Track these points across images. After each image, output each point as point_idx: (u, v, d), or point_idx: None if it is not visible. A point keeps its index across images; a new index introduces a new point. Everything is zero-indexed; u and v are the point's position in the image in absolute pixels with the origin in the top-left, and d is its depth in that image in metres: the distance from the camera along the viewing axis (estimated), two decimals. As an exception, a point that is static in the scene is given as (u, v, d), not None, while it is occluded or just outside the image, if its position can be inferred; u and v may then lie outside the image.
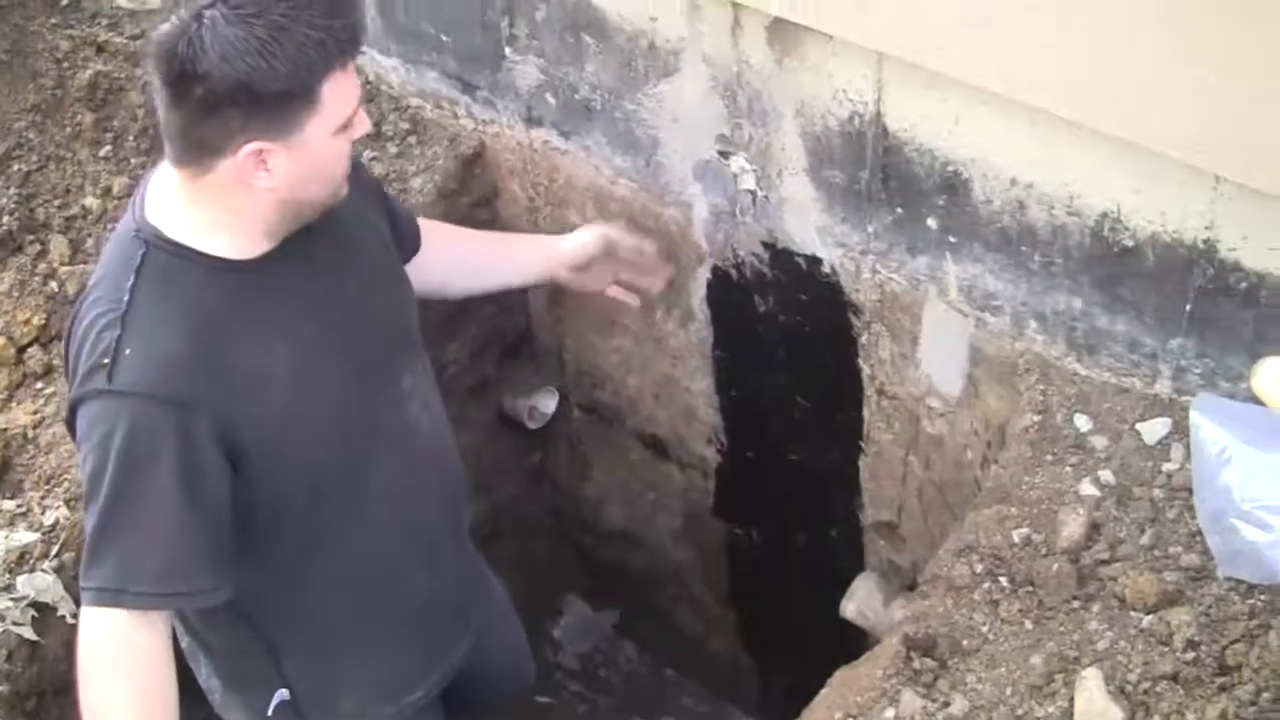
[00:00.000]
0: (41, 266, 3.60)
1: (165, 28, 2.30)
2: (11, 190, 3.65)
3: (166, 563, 2.41)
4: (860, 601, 3.58)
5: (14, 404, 3.40)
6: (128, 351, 2.37)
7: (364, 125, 2.48)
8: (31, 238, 3.63)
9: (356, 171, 2.82)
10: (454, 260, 3.23)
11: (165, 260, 2.44)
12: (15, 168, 3.68)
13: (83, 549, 2.47)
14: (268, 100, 2.28)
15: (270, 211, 2.45)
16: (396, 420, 2.81)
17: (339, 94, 2.35)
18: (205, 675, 2.95)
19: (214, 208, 2.43)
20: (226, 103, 2.27)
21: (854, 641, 3.50)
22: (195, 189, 2.41)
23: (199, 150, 2.35)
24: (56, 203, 3.70)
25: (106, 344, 2.37)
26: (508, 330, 4.37)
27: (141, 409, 2.36)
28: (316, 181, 2.45)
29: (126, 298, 2.40)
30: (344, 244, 2.70)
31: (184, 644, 2.91)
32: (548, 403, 4.43)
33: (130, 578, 2.39)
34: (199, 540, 2.44)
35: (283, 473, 2.57)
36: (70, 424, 2.48)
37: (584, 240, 3.36)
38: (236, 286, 2.49)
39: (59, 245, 3.62)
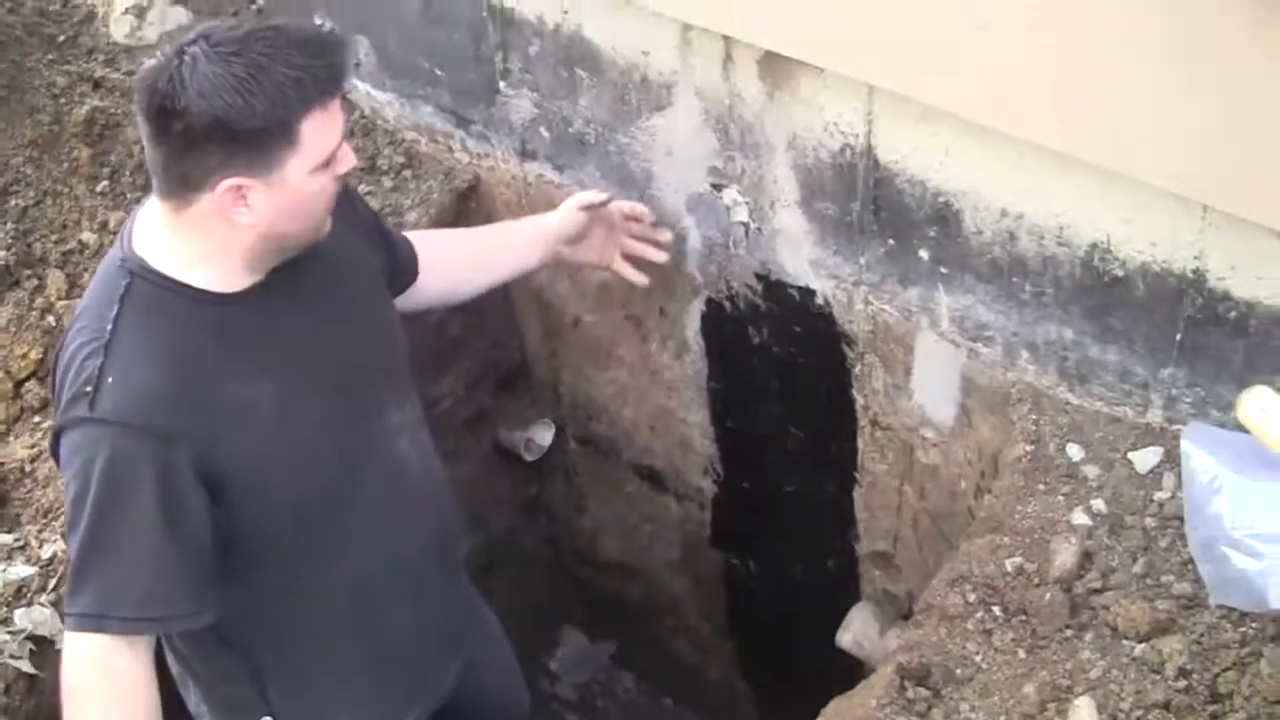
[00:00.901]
0: (39, 301, 3.61)
1: (149, 64, 2.34)
2: (8, 225, 3.66)
3: (147, 588, 2.43)
4: (856, 631, 3.59)
5: (11, 437, 3.41)
6: (109, 380, 2.39)
7: (348, 161, 2.50)
8: (29, 272, 3.64)
9: (351, 205, 2.85)
10: (454, 266, 3.25)
11: (149, 291, 2.46)
12: (12, 203, 3.69)
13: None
14: (245, 137, 2.31)
15: (251, 245, 2.46)
16: (384, 455, 2.82)
17: (318, 132, 2.37)
18: (194, 702, 2.96)
19: (196, 241, 2.45)
20: (205, 139, 2.30)
21: (850, 671, 3.52)
22: (178, 222, 2.44)
23: (180, 184, 2.38)
24: (53, 238, 3.71)
25: (89, 373, 2.40)
26: (503, 362, 4.38)
27: (121, 437, 2.38)
28: (297, 217, 2.46)
29: (110, 327, 2.42)
30: (332, 278, 2.71)
31: (174, 670, 2.92)
32: (544, 435, 4.44)
33: (112, 603, 2.42)
34: (179, 565, 2.45)
35: (266, 504, 2.59)
36: (54, 451, 2.50)
37: (567, 208, 3.39)
38: (220, 319, 2.51)
39: (56, 280, 3.63)
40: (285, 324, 2.61)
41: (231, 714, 2.92)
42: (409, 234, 3.21)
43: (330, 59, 2.38)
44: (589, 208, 3.37)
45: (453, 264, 3.24)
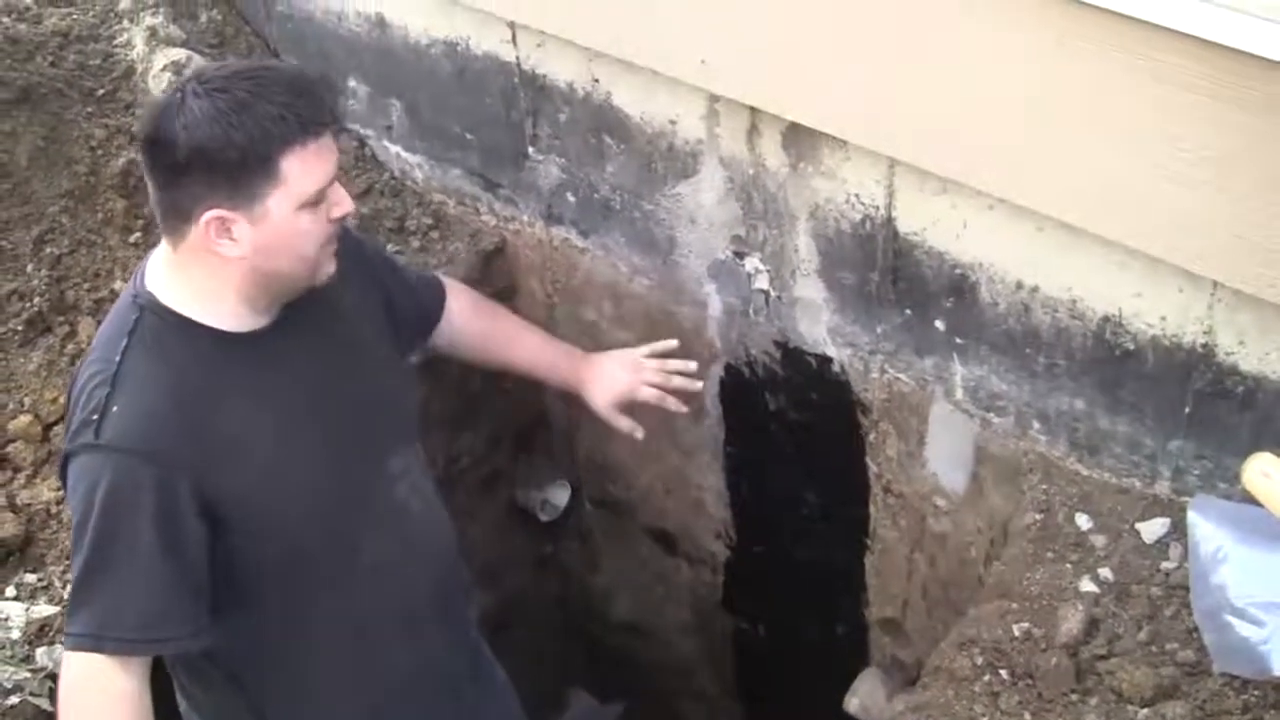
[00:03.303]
0: (69, 347, 3.66)
1: (150, 101, 2.43)
2: (43, 272, 3.71)
3: (144, 611, 2.49)
4: (864, 697, 3.61)
5: (39, 480, 3.46)
6: (115, 409, 2.47)
7: (343, 206, 2.56)
8: (61, 319, 3.70)
9: (359, 250, 2.93)
10: (479, 326, 3.30)
11: (158, 325, 2.55)
12: (48, 250, 3.75)
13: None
14: (225, 168, 2.39)
15: (244, 282, 2.53)
16: (383, 499, 2.85)
17: (301, 169, 2.43)
18: None
19: (193, 275, 2.53)
20: (188, 168, 2.40)
21: (857, 736, 3.54)
22: (177, 256, 2.53)
23: (173, 216, 2.47)
24: (86, 285, 3.76)
25: (97, 402, 2.48)
26: (521, 423, 4.41)
27: (124, 463, 2.46)
28: (286, 255, 2.51)
29: (118, 358, 2.51)
30: (339, 323, 2.78)
31: (181, 706, 2.96)
32: (560, 495, 4.47)
33: (110, 624, 2.48)
34: (177, 589, 2.51)
35: (262, 540, 2.63)
36: (63, 477, 2.57)
37: (617, 389, 3.35)
38: (225, 355, 2.58)
39: (87, 327, 3.68)
40: (289, 364, 2.68)
41: None
42: (452, 282, 3.28)
43: (313, 98, 2.45)
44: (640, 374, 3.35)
45: (480, 322, 3.29)
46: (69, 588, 2.56)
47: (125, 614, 2.48)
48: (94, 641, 2.48)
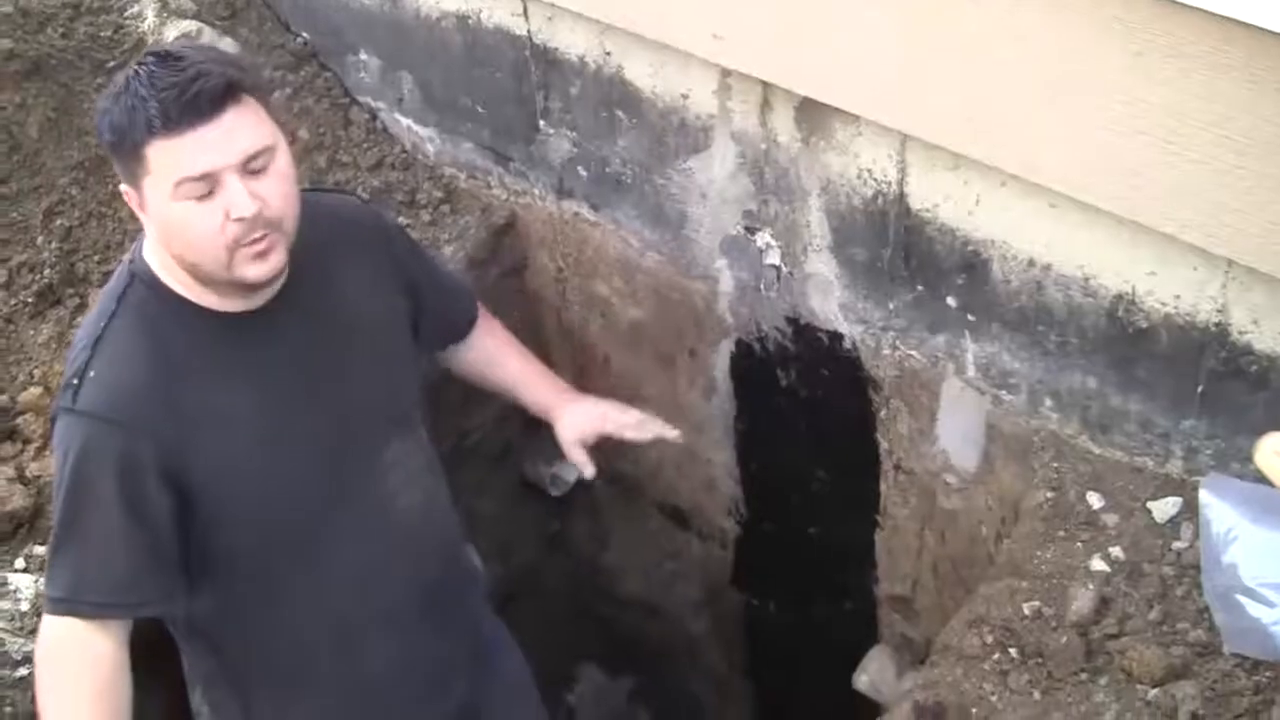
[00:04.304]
0: (80, 319, 3.64)
1: None
2: (53, 244, 3.71)
3: (116, 575, 2.52)
4: (873, 674, 3.61)
5: (48, 453, 3.45)
6: (91, 374, 2.50)
7: (237, 207, 2.41)
8: (71, 291, 3.70)
9: (385, 238, 2.94)
10: (491, 365, 3.33)
11: (146, 295, 2.57)
12: (58, 222, 3.75)
13: None
14: (111, 147, 2.47)
15: (177, 265, 2.53)
16: (369, 490, 2.83)
17: (167, 159, 2.38)
18: (196, 701, 2.98)
19: (157, 252, 2.56)
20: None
21: (867, 714, 3.53)
22: None
23: None
24: (96, 258, 3.76)
25: (78, 365, 2.52)
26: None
27: (92, 429, 2.49)
28: (179, 243, 2.47)
29: (104, 324, 2.55)
30: (340, 309, 2.77)
31: (185, 672, 2.98)
32: (569, 470, 4.45)
33: (83, 588, 2.51)
34: (145, 555, 2.53)
35: (235, 519, 2.64)
36: (51, 434, 2.62)
37: (578, 432, 3.31)
38: (211, 333, 2.59)
39: (97, 299, 3.68)
40: (278, 348, 2.67)
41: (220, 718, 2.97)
42: (482, 312, 3.28)
43: (180, 92, 2.37)
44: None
45: (487, 351, 3.31)
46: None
47: (97, 578, 2.52)
48: (68, 605, 2.52)
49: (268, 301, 2.62)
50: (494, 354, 3.32)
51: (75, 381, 2.50)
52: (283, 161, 2.50)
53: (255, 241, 2.46)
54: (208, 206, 2.41)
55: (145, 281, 2.57)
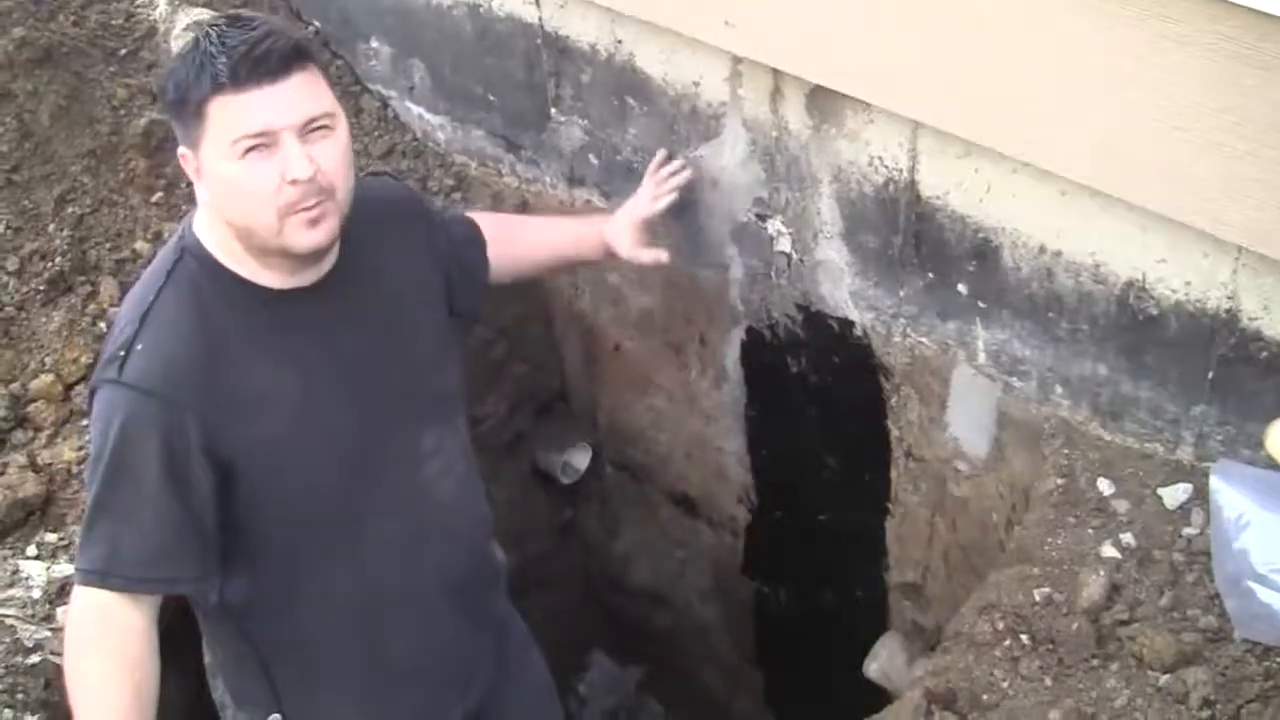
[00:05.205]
0: (91, 307, 3.67)
1: None
2: (65, 232, 3.72)
3: (150, 549, 2.51)
4: (884, 662, 3.61)
5: (59, 440, 3.47)
6: (139, 347, 2.49)
7: (294, 168, 2.42)
8: (82, 279, 3.70)
9: (427, 227, 2.94)
10: (518, 242, 3.28)
11: (195, 270, 2.56)
12: (69, 210, 3.75)
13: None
14: (172, 107, 2.48)
15: (230, 233, 2.53)
16: (407, 477, 2.83)
17: (228, 116, 2.39)
18: (219, 692, 2.99)
19: (212, 220, 2.56)
20: (164, 103, 2.54)
21: (877, 702, 3.52)
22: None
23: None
24: (108, 245, 3.77)
25: (125, 338, 2.50)
26: (543, 387, 4.43)
27: (138, 402, 2.47)
28: (231, 206, 2.48)
29: (152, 298, 2.53)
30: (385, 294, 2.77)
31: (205, 660, 2.99)
32: (580, 459, 4.47)
33: (116, 562, 2.49)
34: (182, 531, 2.52)
35: (271, 500, 2.64)
36: (90, 407, 2.60)
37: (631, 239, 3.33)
38: (257, 310, 2.59)
39: (109, 287, 3.69)
40: (323, 329, 2.67)
41: (247, 705, 2.95)
42: (475, 215, 3.23)
43: (249, 48, 2.39)
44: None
45: (502, 246, 3.20)
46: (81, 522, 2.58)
47: (132, 553, 2.51)
48: (100, 578, 2.50)
49: (317, 281, 2.62)
50: (517, 252, 3.26)
51: (122, 353, 2.48)
52: (342, 133, 2.52)
53: (308, 208, 2.46)
54: (264, 166, 2.42)
55: (195, 256, 2.57)
